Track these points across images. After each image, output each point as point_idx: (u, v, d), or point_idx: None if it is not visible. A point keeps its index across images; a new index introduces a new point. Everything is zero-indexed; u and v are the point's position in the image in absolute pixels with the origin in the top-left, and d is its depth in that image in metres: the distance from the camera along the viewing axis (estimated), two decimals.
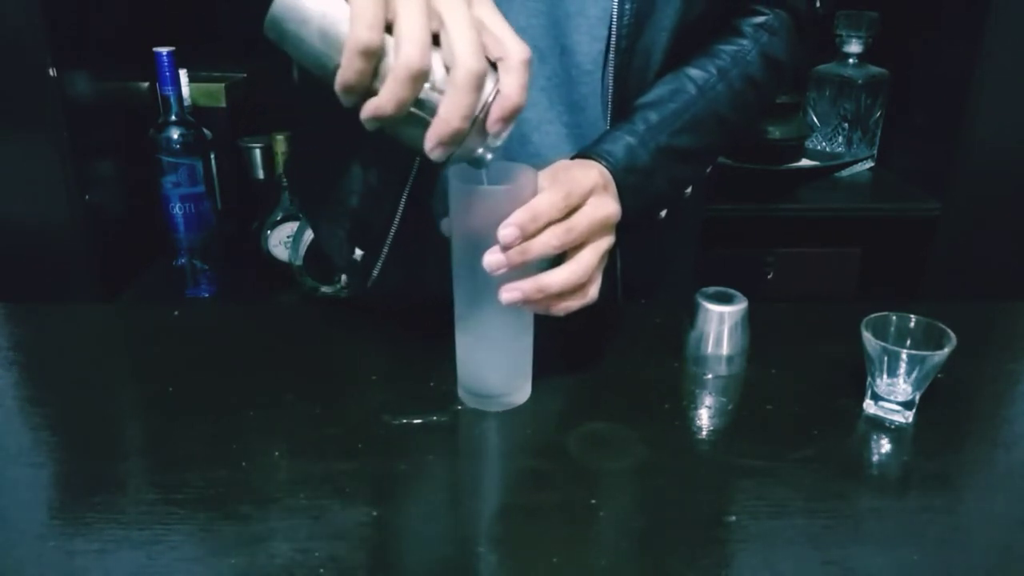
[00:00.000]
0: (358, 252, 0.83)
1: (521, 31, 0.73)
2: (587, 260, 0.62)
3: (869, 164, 1.53)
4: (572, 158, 0.70)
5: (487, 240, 0.59)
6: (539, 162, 0.70)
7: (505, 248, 0.59)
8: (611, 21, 0.73)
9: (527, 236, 0.59)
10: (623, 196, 0.68)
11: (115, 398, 0.71)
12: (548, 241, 0.60)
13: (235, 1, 1.47)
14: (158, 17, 1.35)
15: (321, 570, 0.50)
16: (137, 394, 0.72)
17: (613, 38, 0.73)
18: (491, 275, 0.59)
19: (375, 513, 0.55)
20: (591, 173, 0.64)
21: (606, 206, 0.63)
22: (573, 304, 0.63)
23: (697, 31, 0.77)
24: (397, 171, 0.77)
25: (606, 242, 0.64)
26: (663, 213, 0.81)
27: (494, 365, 0.66)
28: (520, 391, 0.67)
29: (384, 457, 0.61)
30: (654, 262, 0.88)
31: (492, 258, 0.59)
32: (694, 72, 0.77)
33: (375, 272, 0.83)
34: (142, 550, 0.52)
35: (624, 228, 0.68)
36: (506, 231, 0.58)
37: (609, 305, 0.82)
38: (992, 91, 1.30)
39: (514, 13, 0.74)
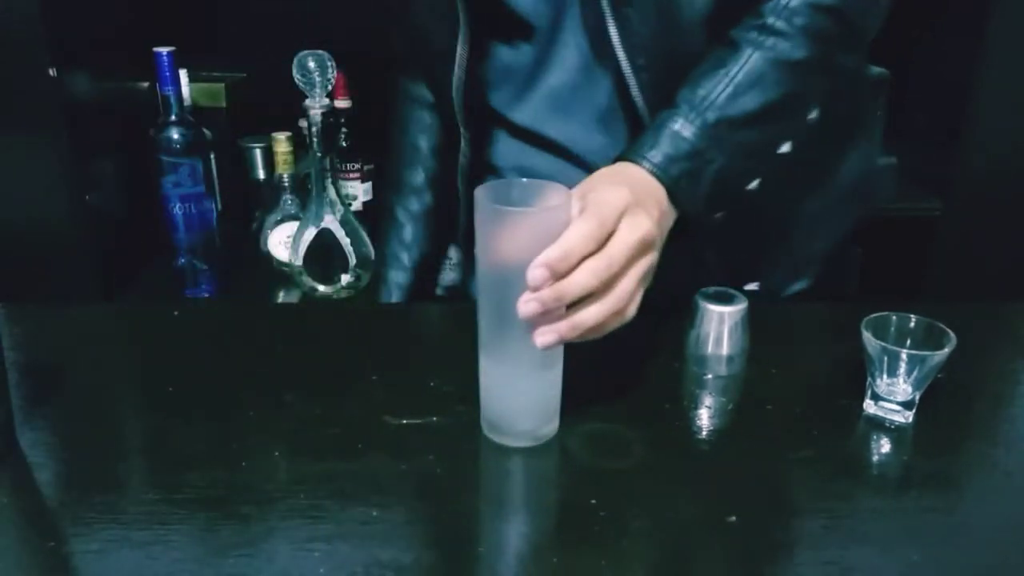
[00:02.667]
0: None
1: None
2: (624, 288, 0.57)
3: None
4: (613, 161, 0.67)
5: (517, 266, 0.55)
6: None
7: (534, 290, 0.54)
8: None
9: (559, 276, 0.54)
10: (674, 189, 0.64)
11: (115, 398, 0.71)
12: (587, 282, 0.55)
13: (235, 1, 1.47)
14: (158, 17, 1.35)
15: (321, 570, 0.50)
16: (137, 394, 0.72)
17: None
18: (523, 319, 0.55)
19: (375, 513, 0.55)
20: (620, 192, 0.58)
21: (640, 225, 0.58)
22: (611, 326, 0.58)
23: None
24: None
25: (645, 262, 0.59)
26: (753, 184, 0.74)
27: (522, 398, 0.62)
28: (548, 425, 0.63)
29: (384, 457, 0.61)
30: (750, 250, 0.84)
31: (526, 307, 0.54)
32: (736, 33, 0.69)
33: None
34: (142, 550, 0.52)
35: (695, 220, 0.65)
36: (535, 273, 0.53)
37: None
38: (992, 91, 1.30)
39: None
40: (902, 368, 0.63)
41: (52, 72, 1.08)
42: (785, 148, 0.74)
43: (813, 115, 0.76)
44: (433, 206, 0.95)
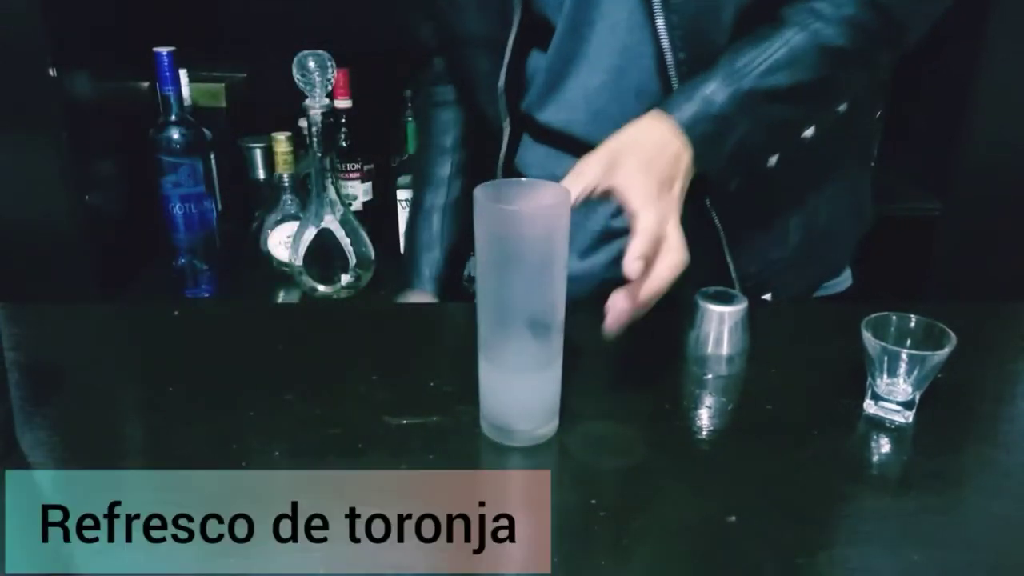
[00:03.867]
0: None
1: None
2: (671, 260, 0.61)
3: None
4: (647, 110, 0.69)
5: (515, 264, 0.56)
6: None
7: (630, 280, 0.58)
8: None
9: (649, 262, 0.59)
10: (698, 147, 0.67)
11: (115, 398, 0.71)
12: (665, 275, 0.60)
13: (235, 1, 1.47)
14: (158, 17, 1.35)
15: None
16: (137, 394, 0.72)
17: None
18: (608, 329, 0.61)
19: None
20: (656, 196, 0.63)
21: (677, 250, 0.62)
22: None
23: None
24: None
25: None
26: (772, 160, 0.76)
27: (521, 398, 0.62)
28: (548, 425, 0.63)
29: (384, 457, 0.61)
30: (768, 255, 0.85)
31: (614, 317, 0.60)
32: (784, 11, 0.70)
33: None
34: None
35: (705, 178, 0.68)
36: (635, 265, 0.58)
37: None
38: (992, 91, 1.30)
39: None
40: (902, 368, 0.63)
41: (52, 72, 1.08)
42: (808, 133, 0.76)
43: (842, 107, 0.78)
44: (461, 195, 0.95)
